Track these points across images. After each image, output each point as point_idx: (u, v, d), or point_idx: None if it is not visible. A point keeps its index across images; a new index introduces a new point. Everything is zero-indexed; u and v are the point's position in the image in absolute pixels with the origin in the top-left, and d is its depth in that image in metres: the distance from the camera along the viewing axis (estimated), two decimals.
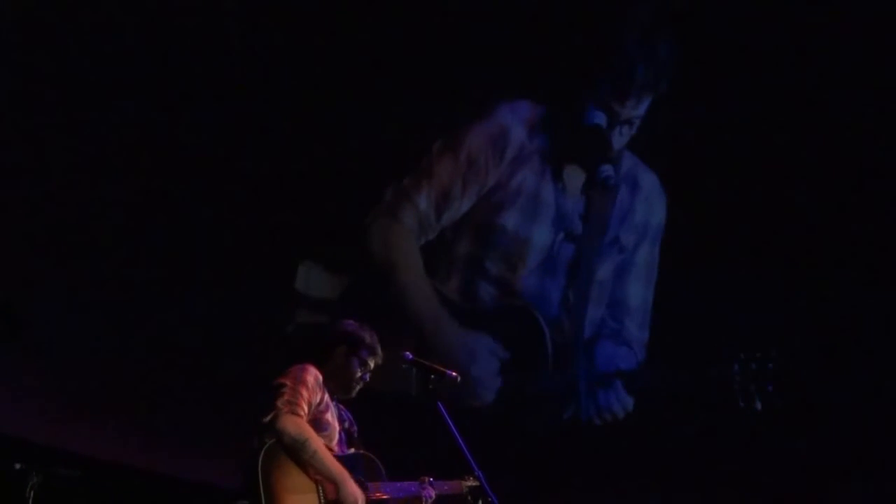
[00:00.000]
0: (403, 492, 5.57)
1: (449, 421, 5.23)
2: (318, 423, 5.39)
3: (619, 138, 8.52)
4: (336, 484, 5.30)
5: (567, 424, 8.46)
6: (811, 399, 8.16)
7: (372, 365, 5.63)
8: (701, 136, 8.39)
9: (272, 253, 8.00)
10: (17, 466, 5.94)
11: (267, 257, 7.98)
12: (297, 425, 5.25)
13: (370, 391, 5.71)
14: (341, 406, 5.66)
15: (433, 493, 5.63)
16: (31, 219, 7.73)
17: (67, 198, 7.74)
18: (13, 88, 7.75)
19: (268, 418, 5.23)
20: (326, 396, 5.50)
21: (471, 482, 5.49)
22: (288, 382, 5.35)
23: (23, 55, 7.76)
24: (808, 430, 8.16)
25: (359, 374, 5.61)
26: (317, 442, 5.29)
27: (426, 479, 5.64)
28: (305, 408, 5.32)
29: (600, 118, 8.46)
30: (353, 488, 5.33)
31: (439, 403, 5.29)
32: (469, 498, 5.52)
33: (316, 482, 5.29)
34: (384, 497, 5.50)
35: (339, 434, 5.55)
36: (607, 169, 8.57)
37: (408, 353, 5.50)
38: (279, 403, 5.26)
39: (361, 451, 5.60)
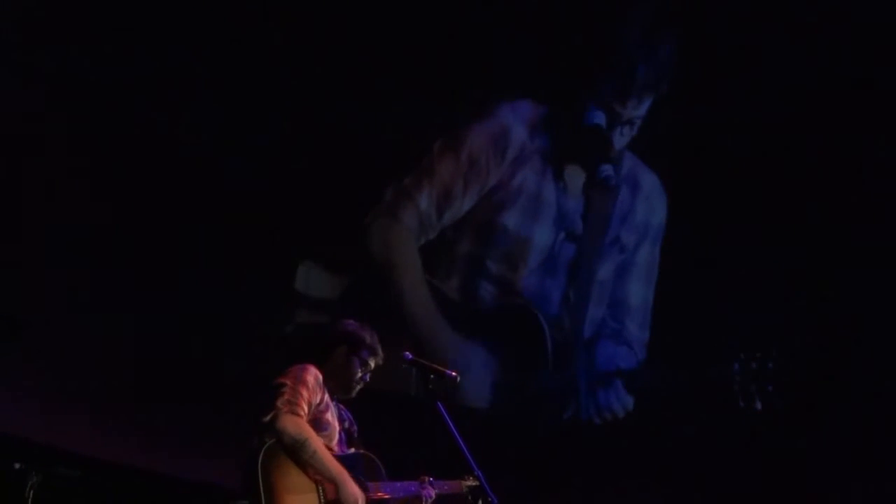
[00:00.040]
0: (403, 491, 5.57)
1: (449, 421, 5.23)
2: (318, 423, 5.39)
3: (620, 138, 8.54)
4: (336, 484, 5.29)
5: (567, 424, 8.47)
6: (811, 399, 8.17)
7: (372, 365, 5.63)
8: (701, 136, 8.40)
9: (272, 253, 8.00)
10: (17, 466, 5.95)
11: (267, 257, 7.97)
12: (296, 425, 5.24)
13: (370, 391, 5.71)
14: (341, 406, 5.66)
15: (433, 493, 5.63)
16: (31, 219, 7.73)
17: (67, 198, 7.74)
18: (13, 88, 7.75)
19: (268, 418, 5.23)
20: (326, 396, 5.50)
21: (471, 482, 5.47)
22: (288, 382, 5.35)
23: (23, 55, 7.76)
24: (808, 430, 8.17)
25: (359, 375, 5.61)
26: (316, 442, 5.28)
27: (426, 478, 5.64)
28: (305, 408, 5.32)
29: (601, 118, 8.48)
30: (352, 488, 5.33)
31: (439, 403, 5.29)
32: (469, 498, 5.51)
33: (316, 482, 5.29)
34: (384, 497, 5.49)
35: (339, 434, 5.55)
36: (608, 169, 8.59)
37: (408, 353, 5.49)
38: (279, 403, 5.26)
39: (361, 451, 5.59)
